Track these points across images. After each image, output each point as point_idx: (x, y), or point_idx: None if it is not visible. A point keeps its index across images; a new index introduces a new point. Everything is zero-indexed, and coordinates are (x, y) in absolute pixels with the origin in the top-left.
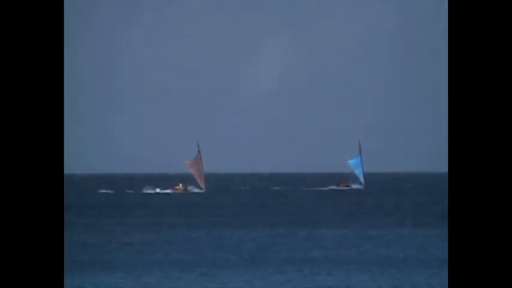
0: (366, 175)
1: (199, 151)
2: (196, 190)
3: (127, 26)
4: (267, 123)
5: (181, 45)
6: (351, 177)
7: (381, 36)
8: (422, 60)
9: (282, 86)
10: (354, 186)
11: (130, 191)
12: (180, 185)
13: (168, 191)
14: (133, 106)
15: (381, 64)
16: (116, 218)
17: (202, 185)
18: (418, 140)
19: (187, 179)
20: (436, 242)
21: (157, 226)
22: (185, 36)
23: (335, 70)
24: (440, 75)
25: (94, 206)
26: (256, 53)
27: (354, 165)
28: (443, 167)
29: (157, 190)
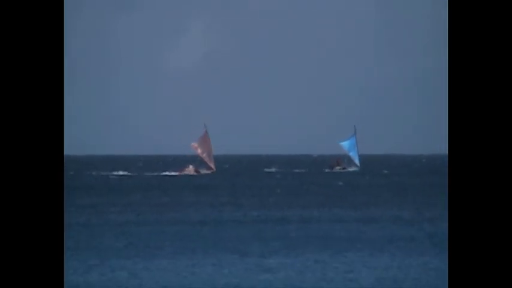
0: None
1: (206, 131)
2: (205, 171)
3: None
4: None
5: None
6: (345, 159)
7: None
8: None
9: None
10: (350, 169)
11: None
12: (190, 166)
13: (175, 173)
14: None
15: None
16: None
17: (212, 165)
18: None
19: (193, 161)
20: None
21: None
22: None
23: (258, 51)
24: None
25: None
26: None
27: (348, 147)
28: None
29: (155, 172)
